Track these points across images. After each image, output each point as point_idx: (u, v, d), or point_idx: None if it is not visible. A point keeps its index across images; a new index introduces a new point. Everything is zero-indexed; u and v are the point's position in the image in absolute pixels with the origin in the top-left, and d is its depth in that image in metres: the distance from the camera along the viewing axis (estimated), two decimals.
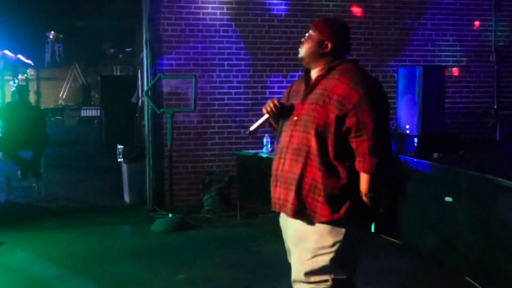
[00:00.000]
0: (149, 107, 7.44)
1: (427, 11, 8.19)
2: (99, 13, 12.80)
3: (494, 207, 4.49)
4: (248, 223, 6.94)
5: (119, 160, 8.16)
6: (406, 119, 6.35)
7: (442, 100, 6.47)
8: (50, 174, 9.46)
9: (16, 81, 20.92)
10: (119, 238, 6.62)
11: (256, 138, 7.40)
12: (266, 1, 7.71)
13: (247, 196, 7.02)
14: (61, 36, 18.00)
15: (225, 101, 7.67)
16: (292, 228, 2.93)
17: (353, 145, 2.73)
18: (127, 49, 19.36)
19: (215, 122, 7.66)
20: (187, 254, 5.74)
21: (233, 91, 7.69)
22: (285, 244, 3.06)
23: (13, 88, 13.21)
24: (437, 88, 6.32)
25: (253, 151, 6.86)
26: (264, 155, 6.57)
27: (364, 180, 2.74)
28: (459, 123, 8.15)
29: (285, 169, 2.88)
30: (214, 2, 7.57)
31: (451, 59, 8.29)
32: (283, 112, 2.97)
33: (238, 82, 7.70)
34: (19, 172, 8.68)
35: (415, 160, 5.70)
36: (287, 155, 2.88)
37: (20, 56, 18.71)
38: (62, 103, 28.35)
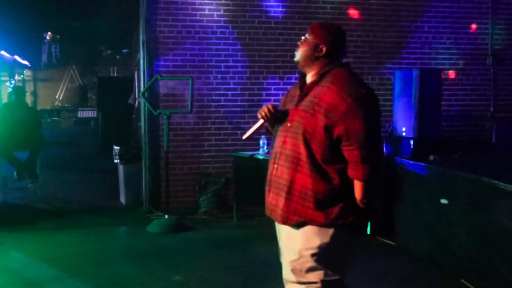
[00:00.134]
0: (146, 108, 7.44)
1: (424, 14, 8.21)
2: (96, 14, 12.77)
3: (489, 209, 4.50)
4: (244, 225, 6.94)
5: (115, 161, 8.15)
6: (403, 121, 6.36)
7: (439, 102, 6.48)
8: (46, 175, 9.44)
9: (13, 82, 20.90)
10: (115, 239, 6.61)
11: (252, 139, 7.36)
12: (263, 3, 7.71)
13: (243, 197, 7.02)
14: (58, 37, 17.95)
15: (222, 103, 7.68)
16: (283, 229, 2.96)
17: (345, 154, 2.73)
18: (124, 51, 19.31)
19: (212, 123, 7.66)
20: (183, 256, 5.74)
21: (229, 92, 7.69)
22: (279, 244, 3.07)
23: (10, 89, 13.20)
24: (433, 91, 6.34)
25: (250, 153, 6.86)
26: (261, 157, 6.58)
27: (358, 187, 2.74)
28: (455, 126, 8.17)
29: (277, 174, 2.90)
30: (211, 4, 7.58)
31: (447, 61, 8.31)
32: (277, 118, 2.97)
33: (234, 83, 7.70)
34: (15, 173, 8.68)
35: (411, 162, 5.71)
36: (280, 161, 2.89)
37: (16, 57, 18.69)
38: (59, 104, 28.32)
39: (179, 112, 7.43)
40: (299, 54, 2.95)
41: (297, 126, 2.80)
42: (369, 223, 5.59)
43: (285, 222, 2.87)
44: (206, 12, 7.57)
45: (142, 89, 7.51)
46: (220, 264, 5.43)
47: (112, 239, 6.53)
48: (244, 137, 3.14)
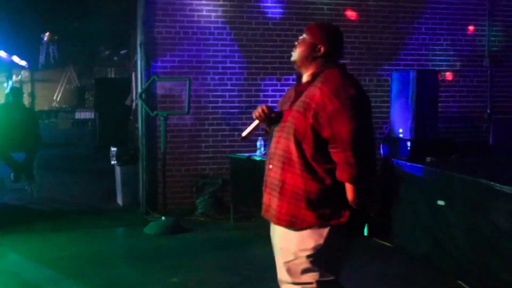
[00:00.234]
0: (143, 109, 7.44)
1: (421, 15, 8.22)
2: (94, 15, 12.78)
3: (486, 210, 4.51)
4: (241, 226, 6.94)
5: (112, 162, 8.15)
6: (400, 123, 6.37)
7: (436, 104, 6.49)
8: (43, 176, 9.44)
9: (10, 82, 20.88)
10: (112, 241, 6.60)
11: (249, 141, 7.40)
12: (261, 4, 7.72)
13: (240, 199, 7.02)
14: (56, 37, 17.97)
15: (219, 104, 7.68)
16: (276, 230, 2.96)
17: (332, 155, 2.73)
18: (122, 52, 19.33)
19: (209, 125, 7.66)
20: (180, 257, 5.73)
21: (227, 94, 7.69)
22: (272, 244, 3.07)
23: (7, 90, 13.19)
24: (430, 92, 6.35)
25: (247, 154, 6.87)
26: (258, 158, 6.58)
27: (348, 189, 2.72)
28: (452, 127, 8.18)
29: (271, 175, 2.91)
30: (209, 5, 7.58)
31: (444, 63, 8.32)
32: (271, 118, 2.97)
33: (232, 85, 7.70)
34: (12, 174, 8.66)
35: (408, 163, 5.72)
36: (273, 161, 2.90)
37: (14, 58, 18.68)
38: (57, 105, 28.31)
39: (176, 114, 7.43)
40: (296, 54, 2.94)
41: (289, 126, 2.81)
42: (366, 225, 5.58)
43: (278, 222, 2.88)
44: (204, 13, 7.57)
45: (139, 90, 7.50)
46: (217, 266, 5.43)
47: (109, 241, 6.52)
48: (241, 137, 3.14)
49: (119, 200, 8.17)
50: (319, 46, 2.88)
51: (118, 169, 8.10)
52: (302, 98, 2.81)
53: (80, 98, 27.02)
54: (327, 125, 2.68)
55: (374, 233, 6.15)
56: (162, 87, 7.50)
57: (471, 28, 8.39)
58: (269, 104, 3.06)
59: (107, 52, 22.00)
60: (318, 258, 2.79)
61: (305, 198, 2.76)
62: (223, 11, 7.62)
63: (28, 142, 8.57)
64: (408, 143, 6.12)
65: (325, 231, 2.76)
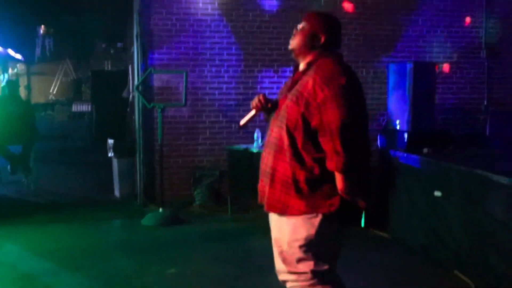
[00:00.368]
0: (140, 101, 7.43)
1: (418, 7, 8.21)
2: (90, 7, 12.73)
3: (483, 202, 4.52)
4: (239, 218, 6.95)
5: (109, 154, 8.14)
6: (397, 114, 6.37)
7: (433, 96, 6.49)
8: (40, 168, 9.42)
9: (6, 75, 20.81)
10: (110, 232, 6.61)
11: (246, 133, 7.41)
12: None
13: (238, 190, 7.02)
14: (52, 30, 17.89)
15: (216, 96, 7.67)
16: (272, 220, 2.98)
17: (321, 144, 2.73)
18: (119, 44, 19.25)
19: (206, 117, 7.66)
20: (178, 249, 5.74)
21: (224, 86, 7.68)
22: (271, 235, 3.08)
23: (3, 83, 13.15)
24: (427, 84, 6.35)
25: (244, 146, 6.87)
26: (255, 150, 6.58)
27: (337, 178, 2.72)
28: (449, 119, 8.19)
29: (264, 162, 2.95)
30: None
31: (442, 55, 8.32)
32: (268, 108, 2.99)
33: (229, 77, 7.70)
34: (8, 166, 8.66)
35: (405, 155, 5.73)
36: (267, 149, 2.94)
37: (10, 51, 18.61)
38: (53, 98, 28.19)
39: (173, 106, 7.43)
40: (295, 43, 2.93)
41: (283, 115, 2.82)
42: (362, 215, 5.59)
43: (270, 209, 2.91)
44: (200, 5, 7.56)
45: (136, 82, 7.49)
46: (215, 257, 5.44)
47: (107, 232, 6.53)
48: (239, 125, 3.16)
49: (117, 192, 8.17)
50: (319, 35, 2.87)
51: (115, 161, 8.10)
52: (296, 87, 2.82)
53: (77, 91, 26.92)
54: (316, 113, 2.68)
55: (371, 224, 6.17)
56: (159, 79, 7.49)
57: (468, 19, 8.38)
58: (264, 94, 3.06)
59: (103, 45, 21.93)
60: (311, 248, 2.80)
61: (295, 186, 2.78)
62: (220, 3, 7.60)
63: (24, 134, 8.55)
64: (405, 135, 6.12)
65: (316, 220, 2.78)
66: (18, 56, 20.59)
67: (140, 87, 7.31)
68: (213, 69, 7.64)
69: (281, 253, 2.90)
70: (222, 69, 7.68)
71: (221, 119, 7.69)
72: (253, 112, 3.06)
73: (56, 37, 18.80)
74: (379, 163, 6.47)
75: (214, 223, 6.76)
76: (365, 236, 5.96)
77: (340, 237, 2.93)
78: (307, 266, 2.83)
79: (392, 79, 6.53)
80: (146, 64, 7.43)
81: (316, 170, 2.75)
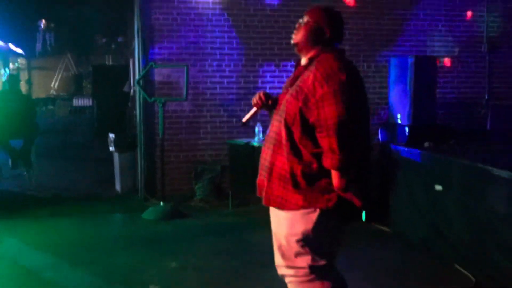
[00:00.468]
0: (141, 96, 7.43)
1: (420, 1, 8.19)
2: (91, 2, 12.73)
3: (483, 195, 4.52)
4: (239, 212, 6.96)
5: (110, 149, 8.14)
6: (398, 108, 6.36)
7: (434, 90, 6.49)
8: (41, 163, 9.44)
9: (7, 70, 20.82)
10: (111, 227, 6.63)
11: (247, 127, 7.40)
12: None
13: (239, 185, 7.02)
14: (53, 25, 17.90)
15: (217, 90, 7.67)
16: (272, 214, 2.99)
17: (318, 140, 2.72)
18: (119, 39, 19.26)
19: (207, 111, 7.66)
20: (178, 243, 5.75)
21: (225, 80, 7.68)
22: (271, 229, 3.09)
23: (4, 78, 13.15)
24: (428, 78, 6.34)
25: (245, 140, 6.87)
26: (256, 144, 6.58)
27: (333, 175, 2.71)
28: (450, 113, 8.18)
29: (263, 156, 2.95)
30: None
31: (443, 49, 8.31)
32: (269, 105, 3.01)
33: (230, 71, 7.69)
34: (9, 161, 8.67)
35: (406, 149, 5.72)
36: (267, 143, 2.94)
37: (10, 45, 18.60)
38: (54, 92, 28.21)
39: (174, 100, 7.43)
40: (298, 37, 2.90)
41: (282, 110, 2.82)
42: (363, 211, 5.59)
43: (268, 203, 2.91)
44: None
45: (137, 77, 7.49)
46: (215, 251, 5.45)
47: (108, 226, 6.55)
48: (241, 122, 3.18)
49: (118, 187, 8.18)
50: (324, 30, 2.85)
51: (116, 156, 8.10)
52: (297, 82, 2.82)
53: (78, 86, 26.95)
54: (314, 109, 2.67)
55: (372, 218, 6.18)
56: (160, 74, 7.49)
57: (469, 13, 8.36)
58: (268, 91, 3.07)
59: (104, 40, 21.94)
60: (308, 243, 2.80)
61: (292, 180, 2.78)
62: None
63: (25, 129, 8.56)
64: (406, 129, 6.12)
65: (314, 215, 2.77)
66: (19, 50, 20.58)
67: (141, 82, 7.31)
68: (214, 63, 7.64)
69: (279, 247, 2.91)
70: (223, 63, 7.67)
71: (222, 113, 7.69)
72: (254, 109, 3.08)
73: (57, 31, 18.81)
74: (379, 157, 6.48)
75: (215, 217, 6.77)
76: (366, 230, 5.96)
77: (339, 233, 2.92)
78: (305, 260, 2.83)
79: (393, 73, 6.53)
80: (147, 58, 7.42)
81: (314, 165, 2.75)
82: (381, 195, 6.22)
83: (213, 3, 7.57)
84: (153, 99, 7.05)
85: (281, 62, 7.77)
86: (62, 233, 6.14)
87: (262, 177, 2.95)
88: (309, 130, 2.72)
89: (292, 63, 7.63)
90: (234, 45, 7.68)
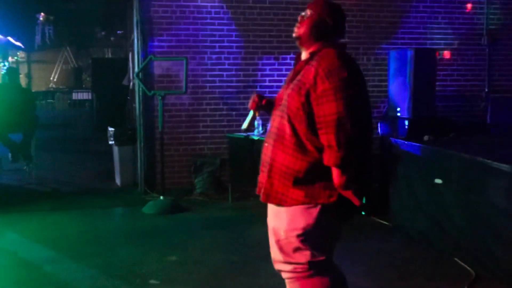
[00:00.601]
0: (140, 89, 7.42)
1: None
2: None
3: (483, 189, 4.52)
4: (239, 206, 6.96)
5: (110, 142, 8.14)
6: (398, 101, 6.36)
7: (433, 83, 6.48)
8: (41, 157, 9.44)
9: (7, 63, 20.78)
10: (111, 220, 6.63)
11: (250, 131, 7.40)
12: None
13: (238, 178, 7.02)
14: (52, 18, 17.82)
15: (217, 84, 7.66)
16: (270, 209, 2.97)
17: (319, 137, 2.69)
18: (119, 32, 19.20)
19: (207, 104, 7.65)
20: (178, 236, 5.75)
21: (224, 73, 7.67)
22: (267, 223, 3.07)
23: (3, 71, 13.13)
24: (428, 71, 6.34)
25: (245, 134, 6.86)
26: (256, 138, 6.57)
27: (333, 172, 2.69)
28: (450, 106, 8.17)
29: (264, 152, 2.92)
30: None
31: (442, 42, 8.29)
32: (263, 106, 3.03)
33: (229, 64, 7.68)
34: (9, 154, 8.66)
35: (406, 142, 5.72)
36: (268, 139, 2.91)
37: (10, 39, 18.54)
38: (53, 86, 28.22)
39: (173, 93, 7.42)
40: (301, 30, 2.87)
41: (284, 105, 2.79)
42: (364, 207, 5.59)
43: (267, 199, 2.88)
44: None
45: (136, 70, 7.48)
46: (215, 245, 5.45)
47: (108, 220, 6.55)
48: (243, 128, 3.19)
49: (118, 180, 8.18)
50: (328, 22, 2.83)
51: (116, 149, 8.10)
52: (298, 77, 2.79)
53: (77, 79, 26.93)
54: (315, 104, 2.65)
55: (372, 212, 6.17)
56: (159, 67, 7.48)
57: (469, 6, 8.34)
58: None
59: (103, 33, 21.87)
60: (309, 238, 2.79)
61: (294, 176, 2.75)
62: None
63: (25, 122, 8.55)
64: (406, 122, 6.12)
65: (315, 210, 2.75)
66: (19, 43, 20.53)
67: (140, 75, 7.29)
68: (214, 56, 7.62)
69: (277, 242, 2.88)
70: (223, 56, 7.65)
71: (221, 106, 7.68)
72: (251, 113, 3.08)
73: (56, 24, 18.74)
74: (379, 150, 6.47)
75: (214, 211, 6.77)
76: (365, 224, 5.96)
77: (338, 229, 2.91)
78: (304, 256, 2.81)
79: (393, 66, 6.52)
80: (146, 51, 7.41)
81: (317, 160, 2.73)
82: (381, 188, 6.23)
83: None
84: (152, 92, 7.04)
85: (280, 55, 7.75)
86: (62, 227, 6.14)
87: (262, 173, 2.92)
88: (312, 125, 2.70)
89: (292, 56, 7.62)
90: (234, 38, 7.66)
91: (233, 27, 7.64)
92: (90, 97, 19.26)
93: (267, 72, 7.74)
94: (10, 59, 23.54)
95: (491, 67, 8.46)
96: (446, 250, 5.01)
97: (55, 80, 28.78)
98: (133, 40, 8.03)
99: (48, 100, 25.88)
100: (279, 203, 2.83)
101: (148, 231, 5.95)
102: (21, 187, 8.19)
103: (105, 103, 13.91)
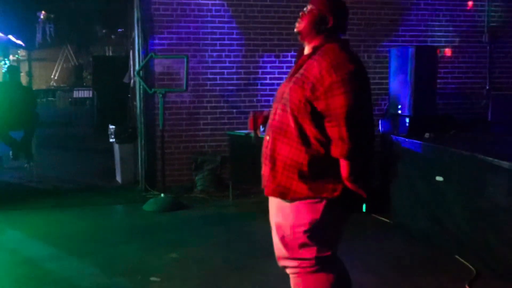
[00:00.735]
0: (141, 87, 7.42)
1: None
2: None
3: (484, 186, 4.52)
4: (240, 203, 6.96)
5: (111, 140, 8.14)
6: (399, 99, 6.36)
7: (434, 80, 6.47)
8: (42, 155, 9.43)
9: (7, 61, 20.77)
10: (112, 218, 6.63)
11: (248, 118, 7.40)
12: None
13: (239, 176, 7.02)
14: (52, 16, 17.82)
15: (217, 81, 7.65)
16: (272, 205, 2.97)
17: (327, 130, 2.70)
18: (119, 30, 19.19)
19: (207, 102, 7.64)
20: (179, 234, 5.76)
21: (225, 71, 7.66)
22: (270, 220, 3.07)
23: (4, 69, 13.12)
24: (429, 69, 6.32)
25: (245, 131, 6.85)
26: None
27: (342, 165, 2.71)
28: (451, 104, 8.16)
29: (266, 145, 2.92)
30: None
31: (443, 39, 8.28)
32: (263, 122, 3.12)
33: (230, 62, 7.67)
34: (10, 152, 8.67)
35: (407, 140, 5.71)
36: (270, 133, 2.91)
37: (10, 37, 18.54)
38: (54, 84, 28.18)
39: (174, 91, 7.41)
40: (302, 25, 2.89)
41: (287, 98, 2.80)
42: (364, 202, 5.59)
43: (270, 192, 2.89)
44: None
45: (137, 68, 7.48)
46: (216, 242, 5.46)
47: (109, 218, 6.55)
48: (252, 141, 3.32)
49: (118, 178, 8.19)
50: (328, 18, 2.84)
51: (117, 147, 8.10)
52: (301, 71, 2.80)
53: (78, 77, 26.88)
54: (323, 98, 2.66)
55: (373, 209, 6.18)
56: (160, 65, 7.47)
57: (470, 3, 8.33)
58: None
59: (104, 31, 21.87)
60: (315, 233, 2.79)
61: (298, 170, 2.75)
62: None
63: (26, 120, 8.55)
64: (407, 119, 6.11)
65: (320, 205, 2.76)
66: (19, 42, 20.51)
67: (141, 73, 7.29)
68: (214, 54, 7.62)
69: (282, 238, 2.89)
70: (223, 54, 7.65)
71: (222, 104, 7.67)
72: (252, 132, 3.19)
73: (56, 23, 18.73)
74: (380, 148, 6.47)
75: (215, 208, 6.77)
76: (366, 222, 5.97)
77: (343, 224, 2.93)
78: (310, 252, 2.82)
79: (394, 64, 6.51)
80: (147, 49, 7.40)
81: (321, 154, 2.73)
82: (382, 186, 6.22)
83: None
84: (153, 90, 7.04)
85: (281, 52, 7.74)
86: (62, 224, 6.15)
87: (265, 166, 2.92)
88: (316, 119, 2.71)
89: (293, 53, 7.61)
90: (234, 36, 7.65)
91: (234, 25, 7.63)
92: (91, 95, 19.23)
93: (268, 70, 7.73)
94: (11, 57, 23.52)
95: (492, 64, 8.45)
96: (447, 247, 5.02)
97: (55, 78, 28.75)
98: (133, 38, 8.02)
99: (49, 98, 25.88)
100: (281, 196, 2.83)
101: (148, 229, 5.95)
102: (22, 185, 8.19)
103: (106, 101, 13.90)
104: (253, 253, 5.06)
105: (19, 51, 25.95)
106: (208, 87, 7.63)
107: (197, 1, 7.51)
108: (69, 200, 7.24)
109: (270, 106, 3.12)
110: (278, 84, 2.97)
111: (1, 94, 8.63)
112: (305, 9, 2.92)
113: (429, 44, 8.06)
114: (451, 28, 8.29)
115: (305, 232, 2.79)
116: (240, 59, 7.69)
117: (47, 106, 23.11)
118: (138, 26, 7.42)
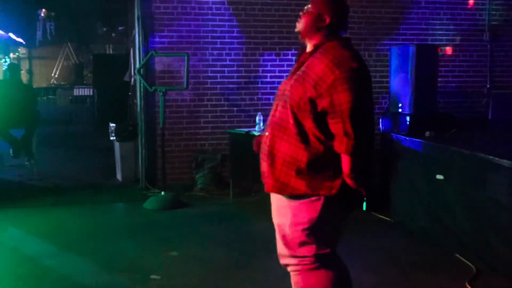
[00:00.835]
0: (141, 85, 7.42)
1: None
2: None
3: (484, 185, 4.52)
4: (240, 201, 6.96)
5: (111, 138, 8.15)
6: (399, 97, 6.35)
7: (435, 79, 6.47)
8: (43, 153, 9.43)
9: (8, 59, 20.77)
10: (112, 216, 6.63)
11: (248, 116, 7.45)
12: None
13: (239, 174, 7.03)
14: (53, 14, 17.83)
15: (218, 80, 7.65)
16: (273, 203, 2.99)
17: (330, 126, 2.71)
18: (120, 28, 19.19)
19: (208, 100, 7.64)
20: (180, 232, 5.76)
21: (225, 69, 7.66)
22: (272, 218, 3.08)
23: (4, 67, 13.12)
24: (430, 67, 6.32)
25: (246, 130, 6.86)
26: (257, 134, 6.56)
27: (344, 161, 2.72)
28: (452, 102, 8.16)
29: (265, 141, 2.93)
30: None
31: (444, 37, 8.27)
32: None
33: (230, 60, 7.67)
34: (11, 150, 8.67)
35: (407, 138, 5.72)
36: (269, 129, 2.92)
37: (11, 35, 18.54)
38: (55, 82, 28.17)
39: (175, 89, 7.41)
40: (301, 25, 2.92)
41: (287, 95, 2.81)
42: (364, 199, 5.61)
43: (270, 188, 2.90)
44: None
45: (137, 66, 7.48)
46: (216, 240, 5.46)
47: (109, 216, 6.55)
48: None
49: (119, 176, 8.19)
50: (324, 17, 2.86)
51: (117, 145, 8.10)
52: (303, 68, 2.81)
53: (79, 75, 26.89)
54: (327, 95, 2.66)
55: (373, 208, 6.18)
56: (160, 63, 7.47)
57: (471, 2, 8.32)
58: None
59: (104, 29, 21.87)
60: (314, 231, 2.80)
61: (296, 166, 2.77)
62: None
63: (26, 118, 8.55)
64: (407, 118, 6.11)
65: (318, 203, 2.77)
66: (20, 40, 20.52)
67: (141, 71, 7.29)
68: (215, 52, 7.62)
69: (283, 237, 2.91)
70: (224, 52, 7.65)
71: (222, 102, 7.67)
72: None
73: (57, 20, 18.73)
74: (381, 146, 6.47)
75: (215, 207, 6.77)
76: (366, 220, 5.97)
77: (342, 221, 2.93)
78: (310, 249, 2.84)
79: (394, 62, 6.51)
80: (147, 47, 7.40)
81: (320, 151, 2.74)
82: (382, 184, 6.22)
83: None
84: (153, 88, 7.04)
85: (281, 51, 7.74)
86: (63, 222, 6.15)
87: (264, 162, 2.93)
88: (317, 116, 2.71)
89: (293, 52, 7.61)
90: (235, 34, 7.65)
91: (234, 23, 7.63)
92: (91, 93, 19.23)
93: (268, 68, 7.73)
94: (11, 55, 23.53)
95: (492, 63, 8.44)
96: (447, 245, 5.02)
97: (56, 76, 28.74)
98: (134, 36, 8.02)
99: (50, 96, 25.86)
100: (281, 192, 2.84)
101: (149, 227, 5.95)
102: (23, 182, 8.19)
103: (106, 99, 13.91)
104: (254, 252, 5.06)
105: (19, 49, 25.96)
106: (208, 85, 7.63)
107: None
108: (69, 198, 7.25)
109: (270, 105, 3.11)
110: (279, 82, 2.98)
111: (1, 92, 8.64)
112: (305, 8, 2.94)
113: (429, 42, 8.05)
114: (452, 27, 8.29)
115: (303, 230, 2.80)
116: (241, 57, 7.69)
117: (47, 104, 23.09)
118: (138, 24, 7.42)
